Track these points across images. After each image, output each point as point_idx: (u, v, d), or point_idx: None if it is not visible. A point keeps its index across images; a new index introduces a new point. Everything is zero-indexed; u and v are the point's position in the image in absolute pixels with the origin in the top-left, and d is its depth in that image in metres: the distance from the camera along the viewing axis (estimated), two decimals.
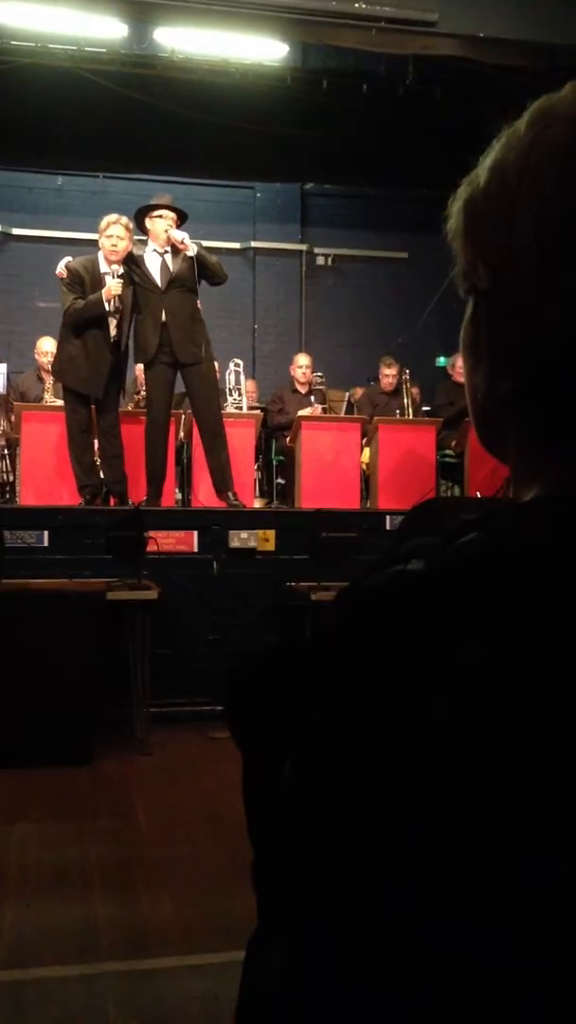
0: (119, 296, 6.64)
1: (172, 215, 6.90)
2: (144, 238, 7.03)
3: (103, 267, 6.70)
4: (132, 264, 6.84)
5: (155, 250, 6.90)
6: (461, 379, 8.31)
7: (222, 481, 7.01)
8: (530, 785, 0.46)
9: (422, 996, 0.46)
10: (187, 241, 6.80)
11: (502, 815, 0.46)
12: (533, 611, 0.49)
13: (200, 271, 6.85)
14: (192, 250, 6.79)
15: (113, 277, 6.64)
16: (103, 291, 6.60)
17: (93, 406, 6.87)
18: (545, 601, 0.49)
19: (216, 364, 7.61)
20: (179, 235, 6.81)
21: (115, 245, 6.67)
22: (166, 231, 6.81)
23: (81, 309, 6.63)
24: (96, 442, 7.19)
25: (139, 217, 7.01)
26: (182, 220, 6.98)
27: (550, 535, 0.52)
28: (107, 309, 6.61)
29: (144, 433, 7.00)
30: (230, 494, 6.98)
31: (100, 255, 6.76)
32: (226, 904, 3.51)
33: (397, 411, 8.80)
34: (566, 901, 0.45)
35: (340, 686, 0.50)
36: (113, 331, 6.72)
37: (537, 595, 0.49)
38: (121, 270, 6.71)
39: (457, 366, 8.71)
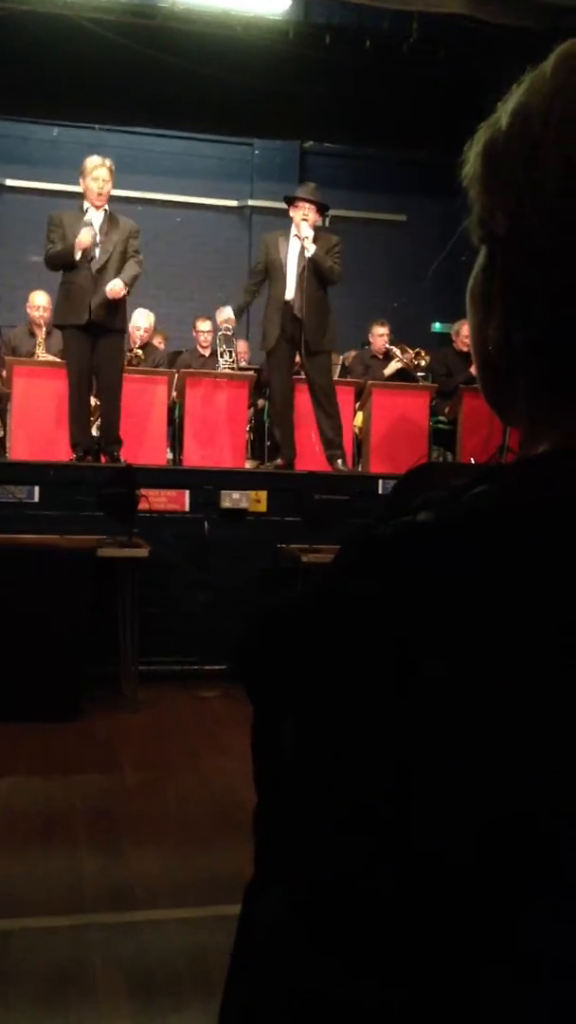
0: (90, 245, 6.56)
1: (308, 206, 7.06)
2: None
3: (87, 215, 6.62)
4: (270, 245, 7.15)
5: (295, 235, 7.07)
6: (465, 347, 8.17)
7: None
8: (538, 740, 0.46)
9: (418, 950, 0.47)
10: (307, 243, 6.97)
11: (503, 771, 0.46)
12: (550, 563, 0.48)
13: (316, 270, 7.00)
14: (308, 251, 6.96)
15: (90, 226, 6.56)
16: (76, 240, 6.54)
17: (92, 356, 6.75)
18: (563, 552, 0.48)
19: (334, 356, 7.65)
20: (305, 232, 6.98)
21: (101, 188, 6.61)
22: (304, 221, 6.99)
23: (53, 255, 6.66)
24: (94, 401, 7.14)
25: (288, 203, 7.27)
26: (322, 211, 7.19)
27: (567, 488, 0.51)
28: (75, 259, 6.55)
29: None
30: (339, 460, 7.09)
31: (85, 202, 6.68)
32: (212, 858, 3.56)
33: (386, 373, 8.69)
34: (557, 859, 0.45)
35: (345, 637, 0.50)
36: (95, 268, 6.61)
37: (554, 546, 0.49)
38: (101, 218, 6.63)
39: (462, 333, 8.17)
